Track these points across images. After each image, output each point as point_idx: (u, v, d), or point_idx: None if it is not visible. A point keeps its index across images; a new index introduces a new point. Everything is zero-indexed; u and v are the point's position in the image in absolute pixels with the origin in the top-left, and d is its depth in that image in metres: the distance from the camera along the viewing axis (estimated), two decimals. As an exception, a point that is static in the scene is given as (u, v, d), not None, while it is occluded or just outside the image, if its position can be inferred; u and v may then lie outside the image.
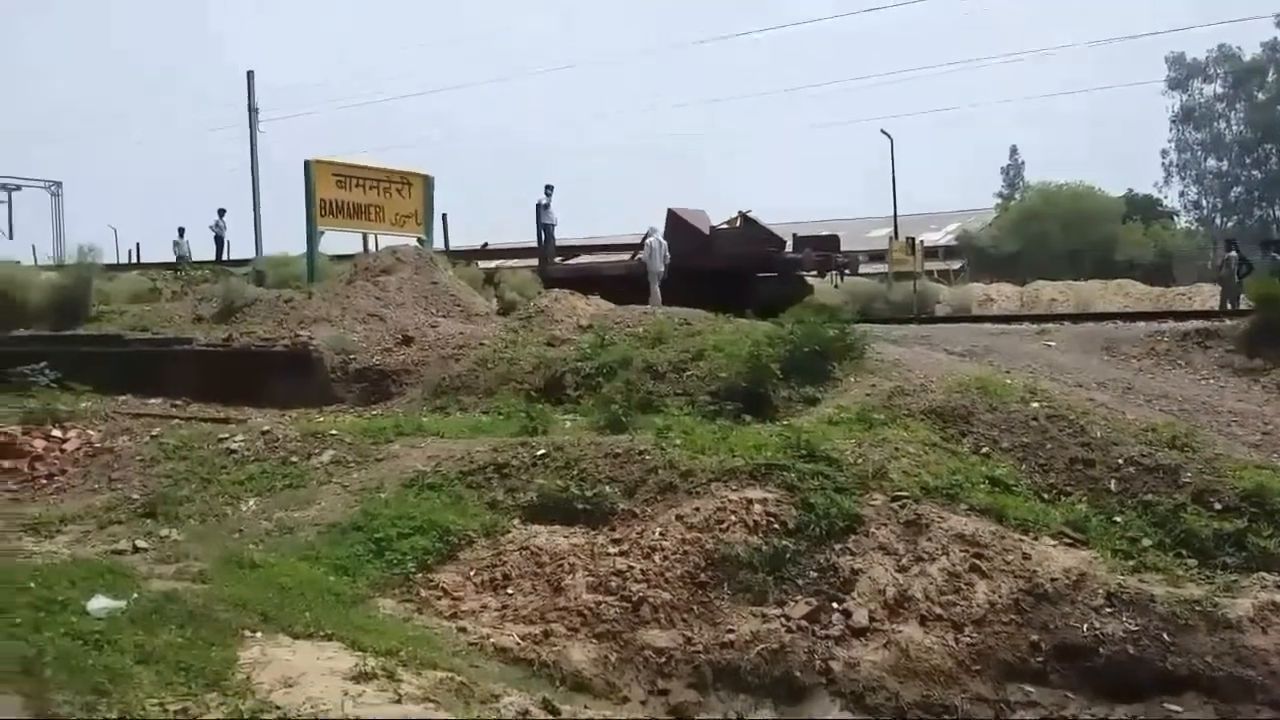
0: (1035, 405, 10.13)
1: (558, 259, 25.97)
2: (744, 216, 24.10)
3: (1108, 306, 26.59)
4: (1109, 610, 7.06)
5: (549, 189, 25.72)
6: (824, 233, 26.92)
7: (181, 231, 33.74)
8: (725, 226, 23.99)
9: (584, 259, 26.98)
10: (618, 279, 22.22)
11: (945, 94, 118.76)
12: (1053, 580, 7.33)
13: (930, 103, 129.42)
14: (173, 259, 31.81)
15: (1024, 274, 40.59)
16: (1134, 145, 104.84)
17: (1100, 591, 7.20)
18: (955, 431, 9.96)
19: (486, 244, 30.22)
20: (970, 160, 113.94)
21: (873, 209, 52.46)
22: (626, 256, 24.53)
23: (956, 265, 46.66)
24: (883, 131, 43.54)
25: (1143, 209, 59.73)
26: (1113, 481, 8.86)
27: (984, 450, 9.58)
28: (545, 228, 25.64)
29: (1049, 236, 51.40)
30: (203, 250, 33.29)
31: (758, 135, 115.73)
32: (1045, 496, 8.88)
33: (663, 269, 22.04)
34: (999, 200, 67.83)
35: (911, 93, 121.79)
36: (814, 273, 24.02)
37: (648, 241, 22.71)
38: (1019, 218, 56.02)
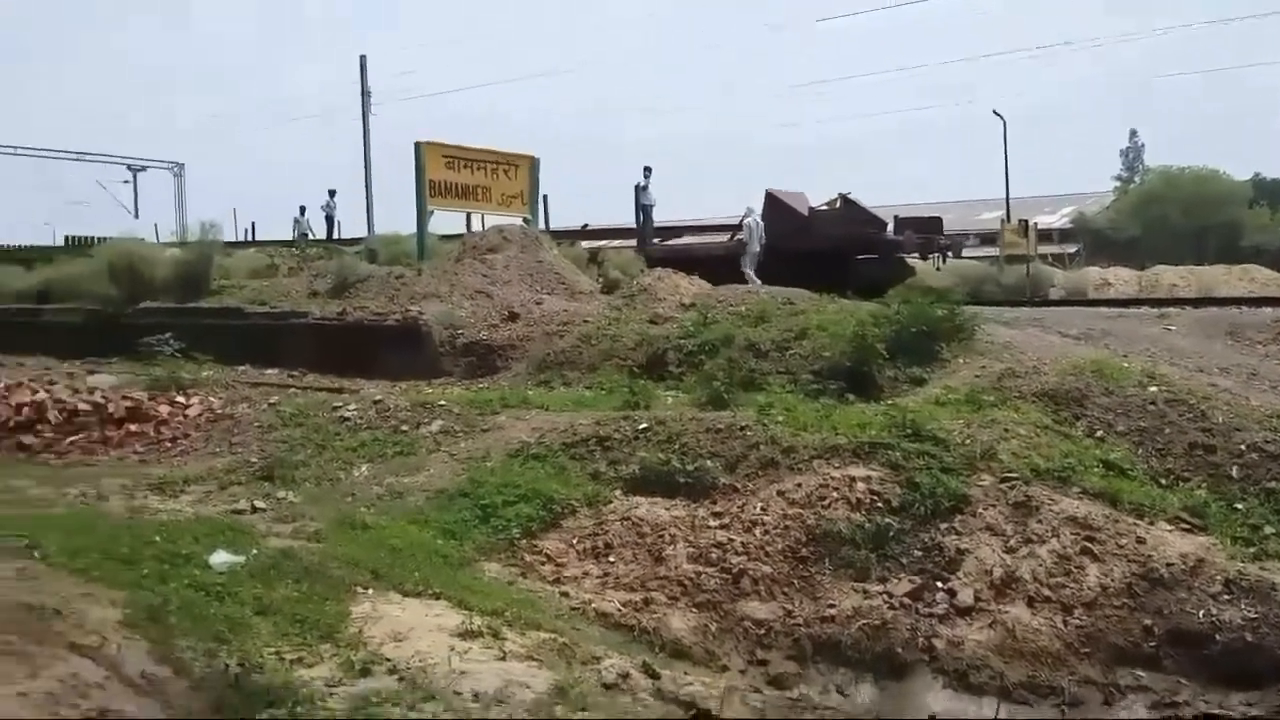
0: (1153, 389, 9.79)
1: (655, 240, 25.93)
2: (844, 198, 23.70)
3: (1231, 292, 25.44)
4: (1227, 597, 6.82)
5: (647, 170, 25.74)
6: (929, 215, 26.31)
7: (303, 210, 34.75)
8: (824, 208, 23.64)
9: (682, 240, 26.88)
10: (715, 259, 22.15)
11: (1061, 74, 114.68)
12: (1168, 565, 7.10)
13: (1046, 82, 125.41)
14: (291, 236, 32.79)
15: (1143, 259, 39.11)
16: (1262, 127, 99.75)
17: (1218, 578, 6.96)
18: (1068, 414, 9.70)
19: (586, 225, 30.38)
20: (1087, 143, 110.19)
21: (984, 191, 51.15)
22: (724, 237, 24.36)
23: (1072, 249, 45.27)
24: (995, 112, 42.39)
25: (1270, 193, 56.91)
26: (1234, 468, 8.52)
27: (1098, 434, 9.31)
28: (643, 209, 25.63)
29: (1170, 220, 49.42)
30: (317, 229, 34.27)
31: (864, 117, 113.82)
32: (1162, 482, 8.59)
33: (759, 250, 21.90)
34: (1117, 184, 65.53)
35: (1027, 72, 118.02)
36: (915, 255, 23.50)
37: (745, 222, 22.58)
38: (1138, 201, 54.02)
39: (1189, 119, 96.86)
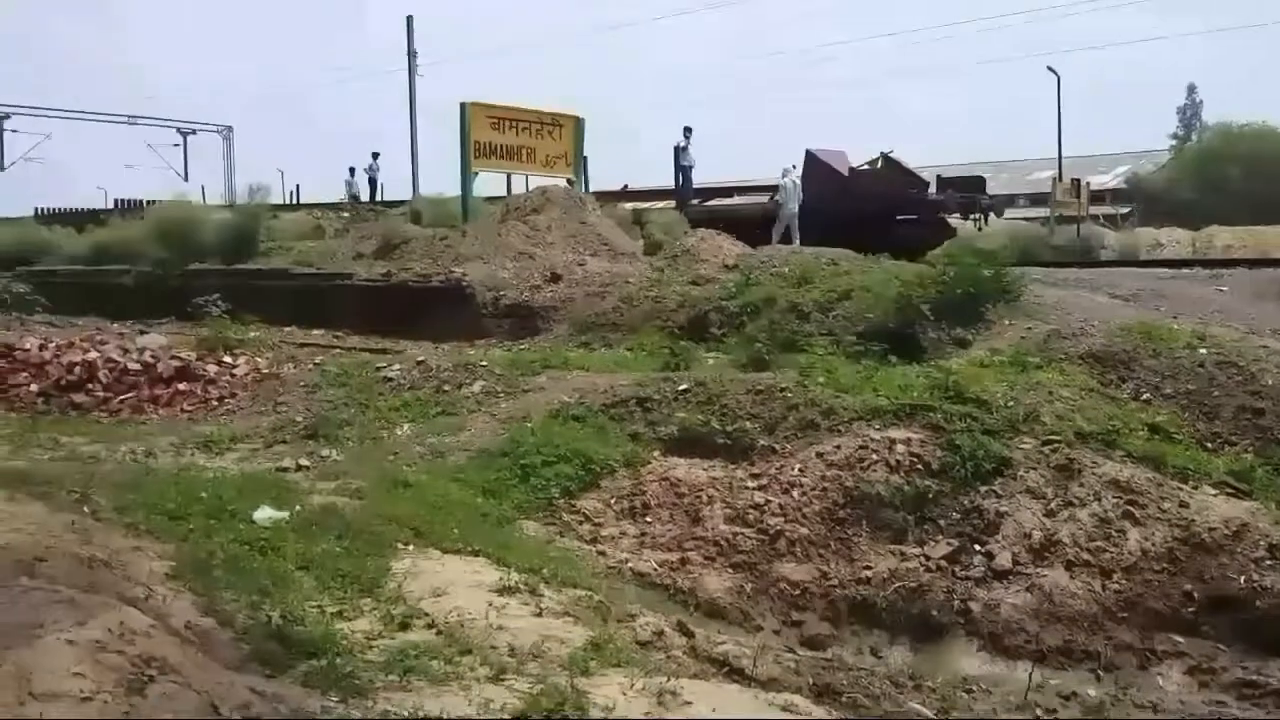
0: (1203, 352, 9.62)
1: (695, 201, 25.77)
2: (885, 157, 23.50)
3: (1289, 253, 24.82)
4: (1270, 563, 6.70)
5: (687, 131, 25.49)
6: (972, 174, 25.87)
7: (353, 170, 34.92)
8: (865, 168, 23.39)
9: (722, 201, 26.67)
10: (754, 220, 21.97)
11: (1118, 29, 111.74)
12: (1211, 530, 7.00)
13: (1102, 39, 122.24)
14: (343, 198, 33.01)
15: (1199, 220, 38.20)
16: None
17: (1262, 543, 6.84)
18: (1115, 377, 9.57)
19: (626, 186, 30.27)
20: (1145, 100, 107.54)
21: (1037, 150, 50.09)
22: (764, 198, 24.16)
23: (1125, 209, 44.39)
24: (1049, 69, 41.41)
25: (1335, 150, 55.24)
26: (1283, 431, 8.37)
27: (1145, 397, 9.18)
28: (683, 169, 25.47)
29: (1228, 180, 48.12)
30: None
31: (920, 74, 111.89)
32: (1209, 445, 8.46)
33: (795, 209, 21.70)
34: (1174, 142, 63.92)
35: (1082, 28, 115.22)
36: (957, 215, 23.02)
37: (782, 183, 22.35)
38: (1195, 160, 52.59)
39: (1252, 75, 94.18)
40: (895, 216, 21.55)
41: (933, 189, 23.11)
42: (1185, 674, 6.31)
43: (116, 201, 40.04)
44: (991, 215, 23.85)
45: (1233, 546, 6.90)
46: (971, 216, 22.96)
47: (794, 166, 22.73)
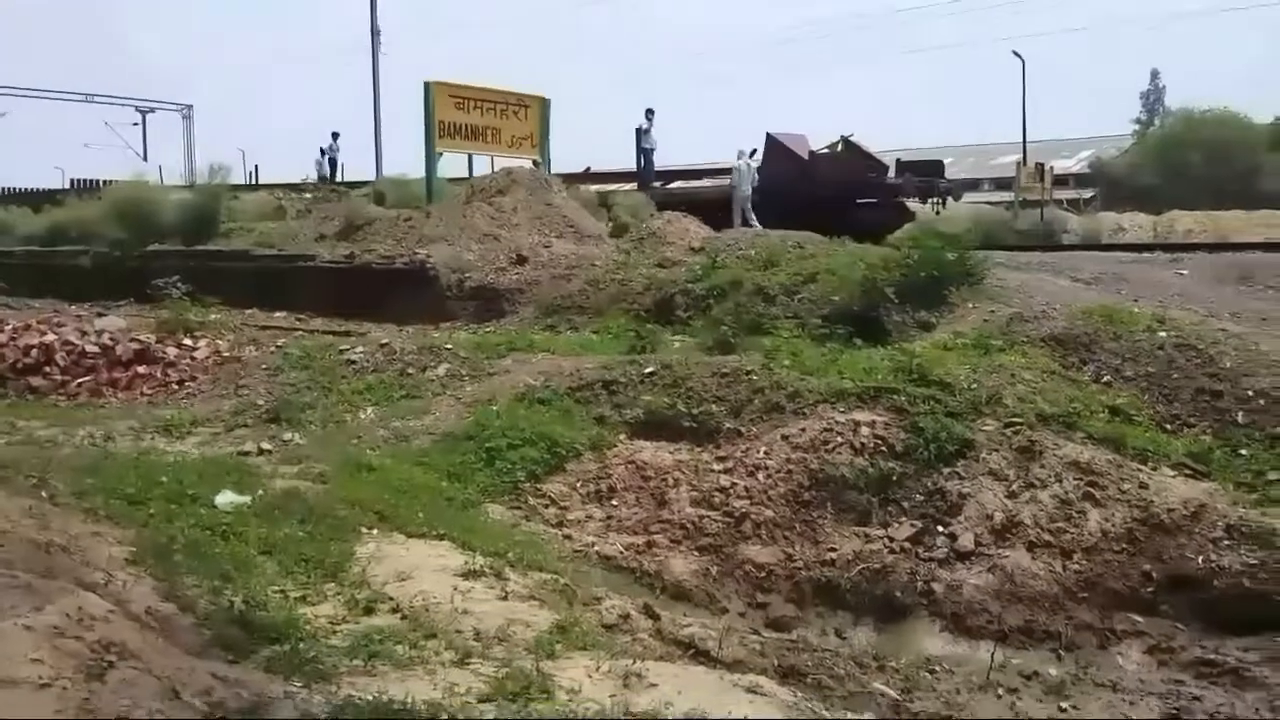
0: (1162, 334, 9.73)
1: (657, 183, 25.72)
2: (845, 141, 23.60)
3: (1249, 238, 25.16)
4: (1227, 543, 6.81)
5: (649, 113, 25.41)
6: (937, 158, 26.03)
7: (323, 151, 34.36)
8: (826, 151, 23.48)
9: (684, 184, 26.68)
10: (715, 203, 22.04)
11: (1082, 12, 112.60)
12: (1170, 510, 7.11)
13: (1066, 22, 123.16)
14: (314, 175, 32.52)
15: (1161, 204, 38.64)
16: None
17: (1219, 523, 6.94)
18: (1076, 359, 9.68)
19: (589, 168, 30.18)
20: (1108, 86, 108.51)
21: (1001, 134, 50.48)
22: (726, 181, 24.24)
23: (1088, 194, 44.83)
24: (1014, 53, 41.77)
25: (1292, 137, 55.98)
26: (1240, 413, 8.48)
27: (1105, 379, 9.29)
28: (645, 152, 25.40)
29: (1189, 165, 48.70)
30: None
31: (878, 57, 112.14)
32: (1168, 427, 8.57)
33: (749, 192, 21.77)
34: (1137, 127, 64.56)
35: (1047, 12, 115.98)
36: (915, 199, 23.14)
37: (736, 165, 22.43)
38: (1157, 145, 53.12)
39: (1215, 61, 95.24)
40: (854, 200, 21.60)
41: (893, 173, 23.19)
42: (1144, 653, 6.41)
43: (73, 181, 39.35)
44: (949, 199, 24.01)
45: (1191, 527, 7.00)
46: (930, 200, 23.13)
47: (751, 150, 22.80)
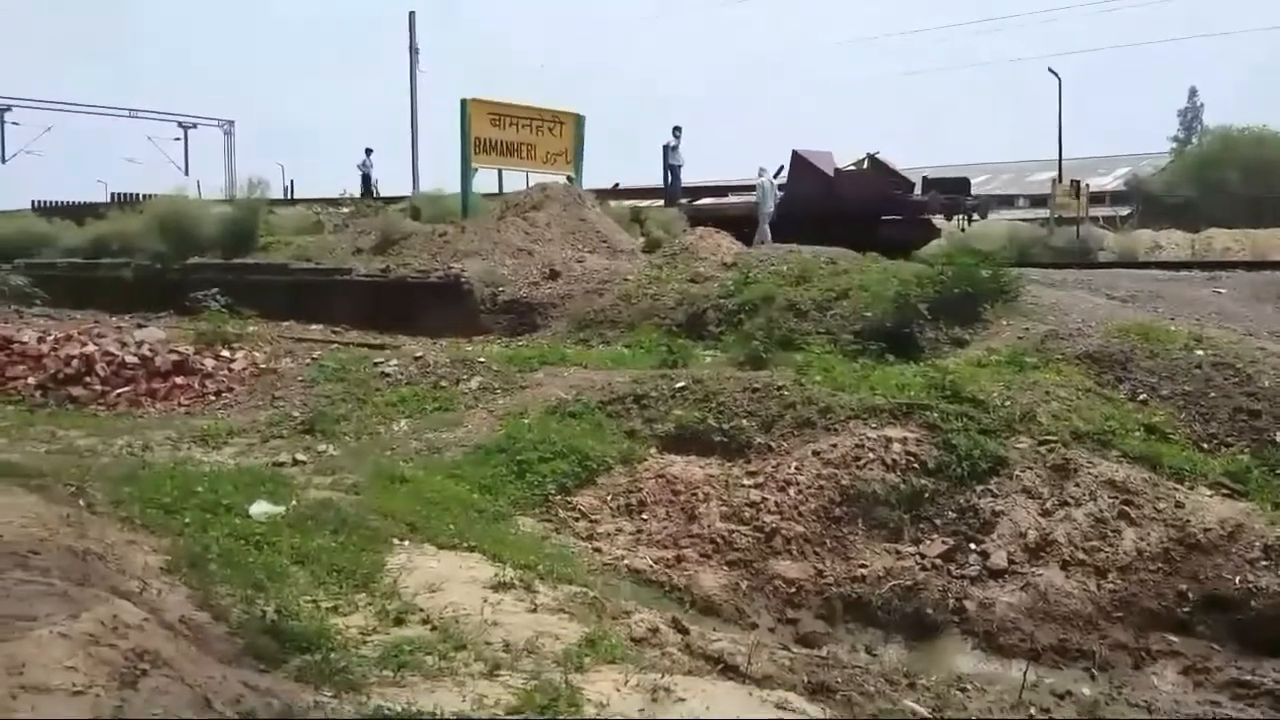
0: (1200, 353, 9.63)
1: (684, 200, 25.88)
2: (871, 158, 23.64)
3: (1287, 256, 24.87)
4: (1265, 563, 6.71)
5: (677, 130, 25.62)
6: (964, 175, 25.98)
7: (369, 152, 34.51)
8: (851, 168, 23.52)
9: (710, 200, 26.80)
10: (742, 219, 22.16)
11: (1121, 32, 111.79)
12: (1206, 530, 7.01)
13: (1105, 41, 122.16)
14: (357, 184, 32.78)
15: (1198, 222, 38.24)
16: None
17: (1257, 544, 6.85)
18: (1111, 377, 9.59)
19: (618, 184, 30.33)
20: (1145, 104, 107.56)
21: (1037, 152, 50.14)
22: (752, 198, 24.37)
23: (1124, 211, 44.43)
24: (1050, 70, 41.46)
25: (1334, 155, 55.15)
26: (1279, 433, 8.37)
27: (1141, 397, 9.19)
28: (672, 169, 25.64)
29: (1227, 183, 48.14)
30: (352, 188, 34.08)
31: (916, 74, 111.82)
32: (1204, 446, 8.47)
33: (772, 209, 21.90)
34: (1174, 145, 63.94)
35: (1085, 30, 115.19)
36: (940, 216, 23.20)
37: (759, 182, 22.59)
38: (1195, 163, 52.63)
39: (1253, 79, 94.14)
40: (879, 216, 21.61)
41: (919, 190, 23.20)
42: (1180, 673, 6.31)
43: (112, 195, 39.93)
44: (976, 216, 24.01)
45: (1228, 547, 6.91)
46: (955, 217, 23.08)
47: (780, 168, 22.99)
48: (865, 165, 23.59)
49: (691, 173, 26.72)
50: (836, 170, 23.11)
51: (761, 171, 22.84)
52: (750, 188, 24.88)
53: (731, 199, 26.30)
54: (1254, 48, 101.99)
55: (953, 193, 23.25)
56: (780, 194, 22.44)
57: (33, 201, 40.24)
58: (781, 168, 23.10)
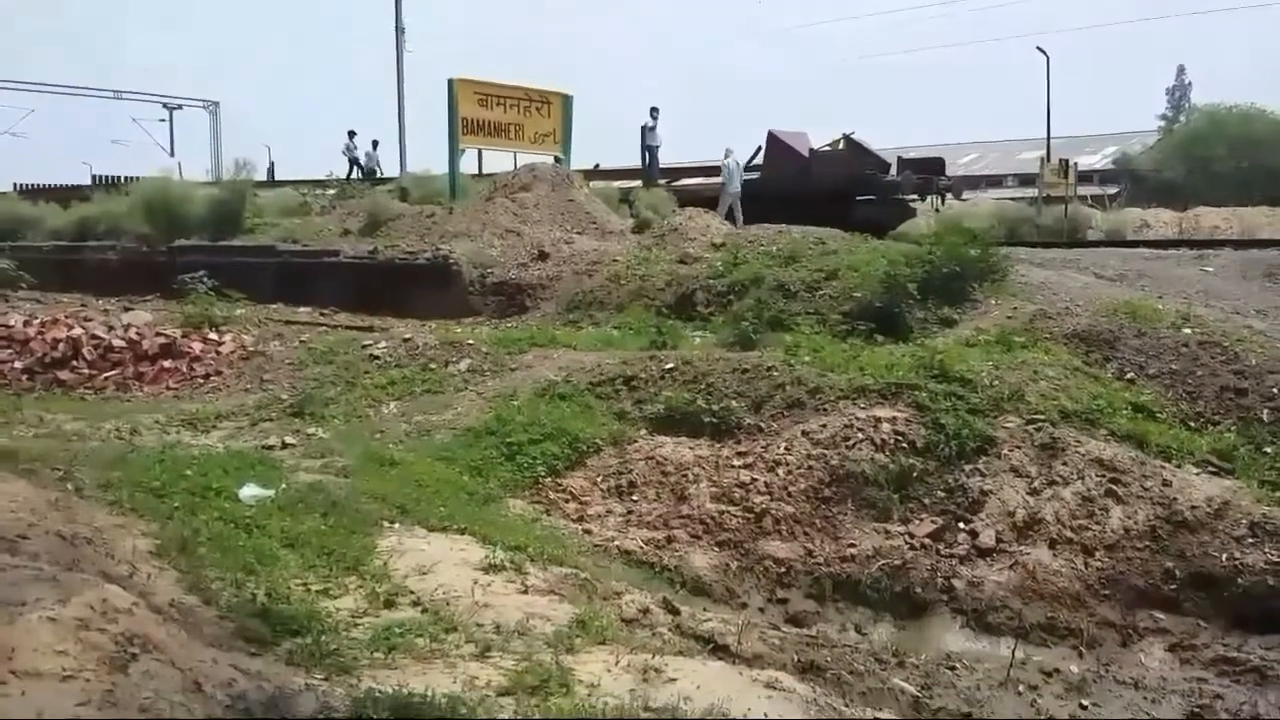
0: (1187, 331, 9.68)
1: (662, 181, 25.92)
2: (847, 138, 23.83)
3: (1274, 234, 24.90)
4: (1251, 540, 6.77)
5: (654, 111, 25.66)
6: (938, 156, 26.24)
7: (351, 134, 34.28)
8: (827, 149, 23.76)
9: (688, 181, 26.91)
10: (718, 200, 22.32)
11: (1108, 9, 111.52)
12: (1193, 508, 7.06)
13: (1092, 19, 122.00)
14: (346, 167, 32.59)
15: (1186, 200, 38.33)
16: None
17: (1243, 521, 6.90)
18: (1099, 356, 9.64)
19: (598, 165, 30.33)
20: (1133, 81, 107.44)
21: (1025, 130, 50.15)
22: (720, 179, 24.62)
23: (1113, 190, 44.51)
24: (1039, 49, 41.35)
25: (1322, 132, 55.26)
26: (1265, 411, 8.44)
27: (1129, 376, 9.24)
28: (649, 149, 25.70)
29: (1215, 161, 48.26)
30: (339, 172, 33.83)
31: (906, 52, 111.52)
32: (1191, 424, 8.52)
33: (738, 189, 22.12)
34: (1162, 123, 64.00)
35: (1073, 7, 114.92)
36: (914, 196, 23.31)
37: (725, 163, 22.71)
38: (1183, 141, 52.72)
39: (1241, 57, 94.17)
40: (854, 196, 21.75)
41: (895, 170, 23.41)
42: (1167, 650, 6.37)
43: (93, 178, 39.57)
44: (949, 196, 24.26)
45: (1214, 524, 6.96)
46: (928, 197, 23.28)
47: (758, 149, 23.31)
48: (841, 146, 23.81)
49: (676, 154, 26.83)
50: (811, 150, 23.39)
51: (728, 152, 22.96)
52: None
53: (710, 179, 26.44)
54: (1243, 26, 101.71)
55: (927, 173, 23.42)
56: (749, 175, 22.80)
57: (14, 184, 39.85)
58: (759, 149, 23.37)
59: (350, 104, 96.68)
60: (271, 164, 39.65)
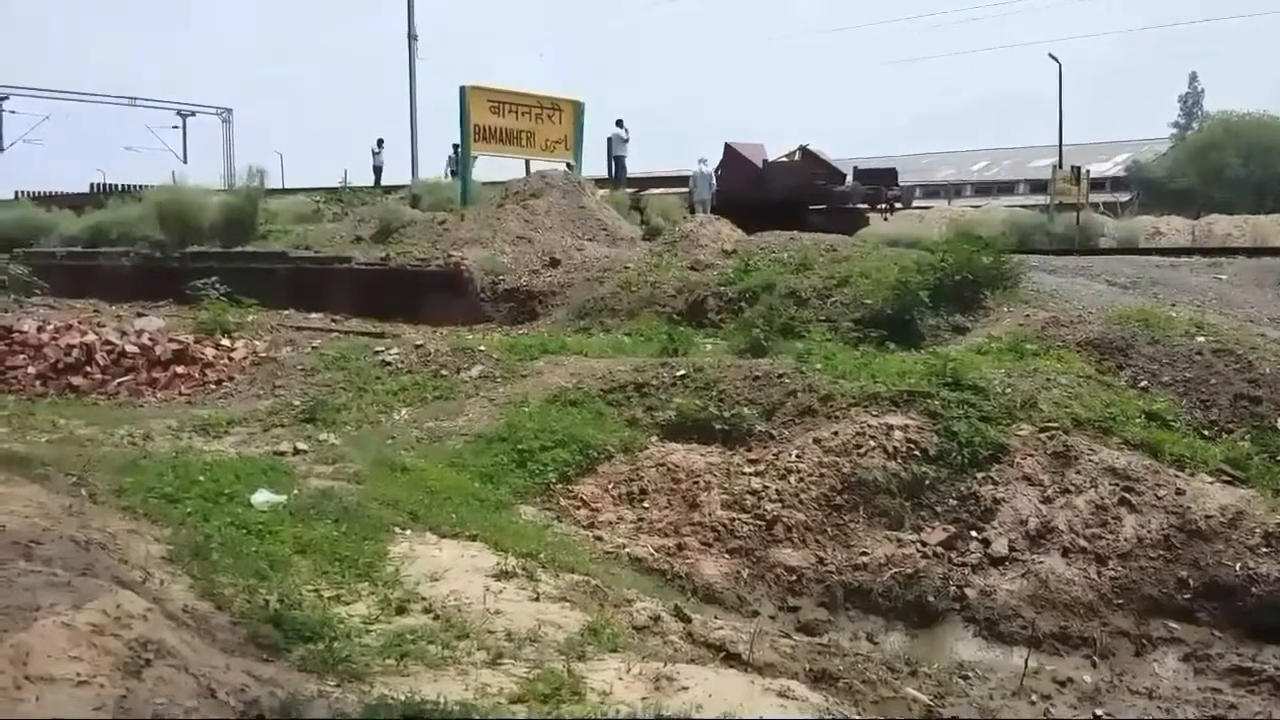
0: (1200, 339, 9.63)
1: (630, 190, 26.25)
2: (803, 149, 24.45)
3: (1288, 242, 24.83)
4: (1265, 550, 6.72)
5: (620, 122, 26.11)
6: (892, 167, 27.25)
7: (380, 143, 34.30)
8: (783, 159, 24.50)
9: (654, 191, 27.41)
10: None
11: (1121, 17, 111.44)
12: (1207, 517, 7.02)
13: (1105, 25, 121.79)
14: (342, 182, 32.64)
15: (1199, 208, 38.18)
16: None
17: (1257, 531, 6.86)
18: (1112, 364, 9.59)
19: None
20: (1146, 89, 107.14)
21: (1038, 137, 50.04)
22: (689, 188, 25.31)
23: (1125, 197, 44.40)
24: (1050, 56, 41.33)
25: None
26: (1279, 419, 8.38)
27: (1142, 384, 9.19)
28: (616, 159, 26.07)
29: (1228, 169, 48.10)
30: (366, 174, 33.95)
31: (918, 60, 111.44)
32: (1205, 433, 8.47)
33: (708, 198, 22.76)
34: (1175, 131, 63.83)
35: (1086, 15, 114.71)
36: (864, 205, 24.13)
37: (693, 171, 23.45)
38: (1196, 148, 52.55)
39: (1254, 65, 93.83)
40: (806, 206, 22.59)
41: (851, 180, 24.36)
42: (1180, 660, 6.32)
43: (92, 185, 39.63)
44: (898, 205, 25.09)
45: (1228, 534, 6.92)
46: (879, 207, 24.09)
47: (702, 161, 24.03)
48: (796, 156, 24.48)
49: (660, 164, 27.63)
50: (765, 161, 24.30)
51: (701, 161, 23.77)
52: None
53: (675, 189, 27.33)
54: (1256, 33, 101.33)
55: (878, 183, 24.34)
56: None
57: (15, 192, 39.70)
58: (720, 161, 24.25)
59: (365, 111, 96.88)
60: (281, 170, 39.70)
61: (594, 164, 25.63)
